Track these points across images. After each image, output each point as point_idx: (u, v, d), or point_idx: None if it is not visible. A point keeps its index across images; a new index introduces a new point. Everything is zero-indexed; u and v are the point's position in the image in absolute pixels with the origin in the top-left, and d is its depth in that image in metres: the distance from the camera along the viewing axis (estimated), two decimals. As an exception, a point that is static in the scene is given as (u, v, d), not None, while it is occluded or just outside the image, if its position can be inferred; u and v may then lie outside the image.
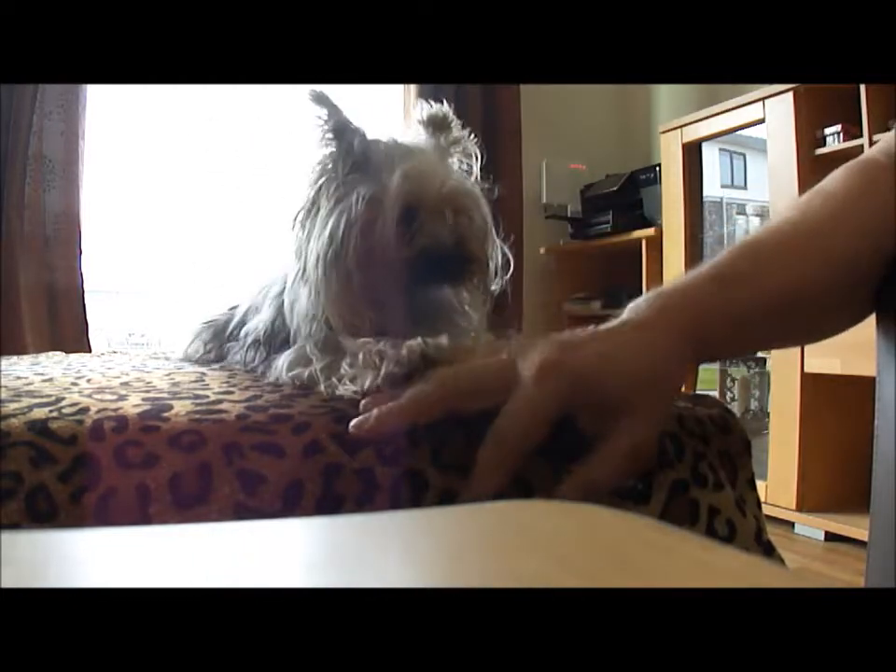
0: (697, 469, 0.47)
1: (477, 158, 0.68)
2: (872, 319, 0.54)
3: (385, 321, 0.58)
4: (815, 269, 0.50)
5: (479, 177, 0.68)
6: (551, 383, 0.41)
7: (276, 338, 0.65)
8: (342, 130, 0.61)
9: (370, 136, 0.62)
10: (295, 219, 0.62)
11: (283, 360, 0.59)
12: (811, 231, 0.51)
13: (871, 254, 0.50)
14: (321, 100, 0.60)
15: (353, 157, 0.60)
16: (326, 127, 0.61)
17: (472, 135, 0.71)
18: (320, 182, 0.61)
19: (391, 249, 0.58)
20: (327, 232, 0.58)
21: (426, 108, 0.67)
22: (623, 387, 0.42)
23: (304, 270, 0.60)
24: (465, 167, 0.68)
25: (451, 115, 0.66)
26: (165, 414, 0.44)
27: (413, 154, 0.61)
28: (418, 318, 0.58)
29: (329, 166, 0.61)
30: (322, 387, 0.53)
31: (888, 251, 0.50)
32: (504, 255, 0.67)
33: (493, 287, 0.65)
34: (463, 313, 0.63)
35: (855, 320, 0.53)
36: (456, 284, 0.62)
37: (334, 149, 0.61)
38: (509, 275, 0.67)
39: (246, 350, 0.69)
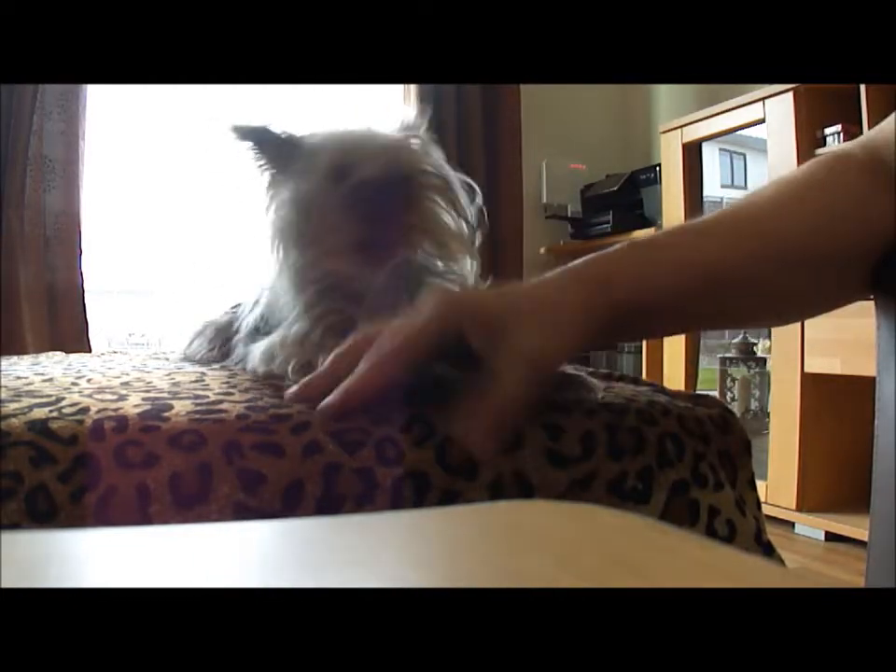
0: (697, 469, 0.47)
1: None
2: (872, 319, 0.54)
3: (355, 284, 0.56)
4: (747, 250, 0.48)
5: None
6: (443, 306, 0.43)
7: (263, 332, 0.65)
8: (276, 146, 0.62)
9: (306, 134, 0.62)
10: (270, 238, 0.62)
11: (256, 352, 0.60)
12: (752, 213, 0.51)
13: (824, 244, 0.49)
14: (245, 134, 0.62)
15: (289, 159, 0.61)
16: (260, 154, 0.61)
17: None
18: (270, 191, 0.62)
19: (323, 204, 0.57)
20: (274, 214, 0.59)
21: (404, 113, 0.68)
22: (512, 308, 0.44)
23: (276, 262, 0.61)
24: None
25: (420, 121, 0.66)
26: (165, 414, 0.44)
27: (347, 131, 0.61)
28: (372, 260, 0.56)
29: (273, 174, 0.62)
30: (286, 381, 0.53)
31: (850, 244, 0.49)
32: (475, 202, 0.63)
33: (471, 218, 0.62)
34: (447, 272, 0.59)
35: (806, 313, 0.53)
36: (397, 214, 0.57)
37: (273, 168, 0.62)
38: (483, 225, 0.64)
39: (238, 346, 0.69)
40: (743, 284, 0.49)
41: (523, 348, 0.42)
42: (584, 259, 0.47)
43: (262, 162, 0.62)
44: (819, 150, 2.05)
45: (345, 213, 0.56)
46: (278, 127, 0.64)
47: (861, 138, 0.56)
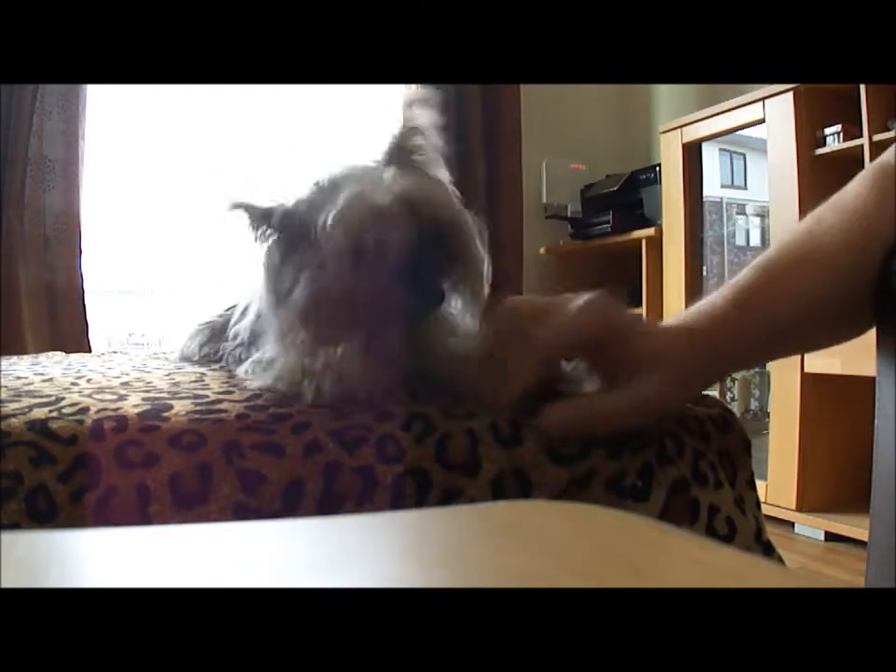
0: (697, 468, 0.47)
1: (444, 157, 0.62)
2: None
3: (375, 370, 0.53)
4: (826, 285, 0.51)
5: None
6: (595, 315, 0.48)
7: (258, 339, 0.64)
8: (270, 218, 0.57)
9: (299, 201, 0.57)
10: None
11: (249, 366, 0.58)
12: (820, 245, 0.52)
13: (880, 262, 0.50)
14: (239, 206, 0.56)
15: (291, 234, 0.56)
16: (255, 225, 0.57)
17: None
18: (270, 275, 0.57)
19: (345, 288, 0.53)
20: (289, 308, 0.55)
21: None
22: (650, 354, 0.48)
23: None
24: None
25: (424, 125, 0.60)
26: (165, 414, 0.44)
27: (349, 196, 0.55)
28: (409, 355, 0.54)
29: (273, 257, 0.57)
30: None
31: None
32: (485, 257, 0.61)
33: (483, 289, 0.59)
34: (454, 333, 0.57)
35: (867, 327, 0.54)
36: (431, 288, 0.55)
37: (272, 241, 0.57)
38: (490, 280, 0.61)
39: (232, 351, 0.69)
40: (824, 321, 0.52)
41: (641, 395, 0.46)
42: (691, 316, 0.51)
43: (259, 235, 0.57)
44: (819, 150, 2.05)
45: (368, 304, 0.53)
46: (274, 197, 0.58)
47: None
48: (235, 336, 0.70)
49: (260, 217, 0.57)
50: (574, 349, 0.50)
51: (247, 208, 0.57)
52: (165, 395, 0.49)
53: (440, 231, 0.56)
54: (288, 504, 0.41)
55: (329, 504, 0.41)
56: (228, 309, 0.78)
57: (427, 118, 0.60)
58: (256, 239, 0.58)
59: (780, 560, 0.51)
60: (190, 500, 0.40)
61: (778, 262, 0.53)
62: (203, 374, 0.64)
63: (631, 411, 0.46)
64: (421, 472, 0.43)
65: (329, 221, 0.53)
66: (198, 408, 0.45)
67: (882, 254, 0.50)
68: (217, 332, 0.77)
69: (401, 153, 0.59)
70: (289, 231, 0.57)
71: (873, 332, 0.54)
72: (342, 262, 0.53)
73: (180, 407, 0.45)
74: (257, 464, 0.41)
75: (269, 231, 0.57)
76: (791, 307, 0.51)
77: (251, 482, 0.41)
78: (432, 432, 0.44)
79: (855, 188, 0.54)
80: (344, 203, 0.54)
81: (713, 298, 0.52)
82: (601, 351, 0.48)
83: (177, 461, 0.41)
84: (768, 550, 0.49)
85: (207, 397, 0.49)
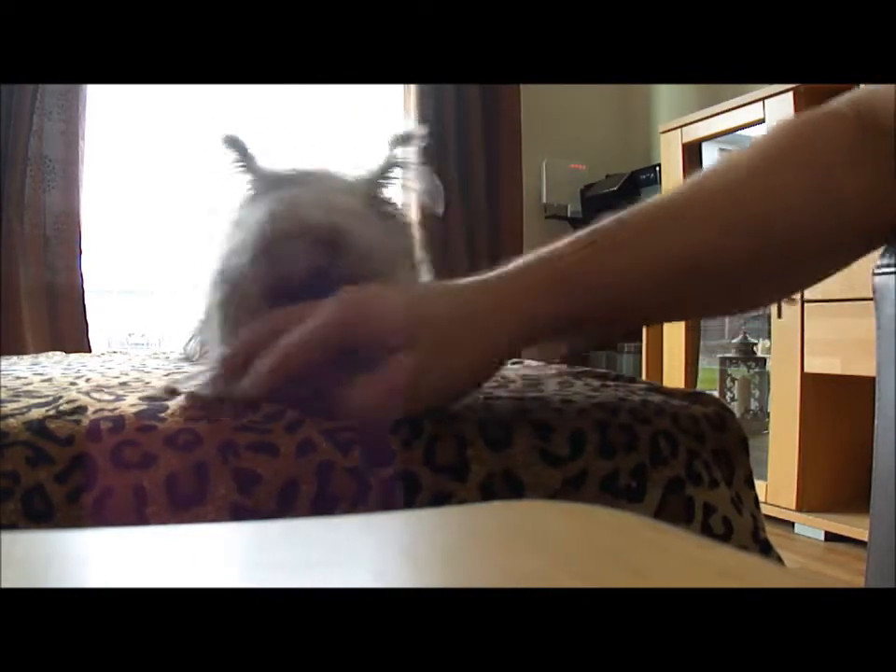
0: (692, 467, 0.47)
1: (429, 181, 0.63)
2: (872, 319, 0.54)
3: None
4: (719, 235, 0.44)
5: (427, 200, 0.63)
6: (341, 313, 0.41)
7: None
8: (251, 167, 0.60)
9: (275, 168, 0.60)
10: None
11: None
12: (736, 191, 0.46)
13: (809, 222, 0.45)
14: (234, 143, 0.59)
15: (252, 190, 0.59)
16: (237, 167, 0.60)
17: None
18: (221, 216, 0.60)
19: (248, 290, 0.53)
20: (214, 266, 0.57)
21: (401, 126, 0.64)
22: (402, 328, 0.41)
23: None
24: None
25: (414, 135, 0.61)
26: (162, 414, 0.44)
27: (288, 189, 0.56)
28: None
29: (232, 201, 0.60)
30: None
31: (852, 221, 0.46)
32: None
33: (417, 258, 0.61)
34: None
35: (784, 293, 0.50)
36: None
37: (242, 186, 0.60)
38: None
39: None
40: (718, 276, 0.45)
41: (424, 379, 0.40)
42: (531, 258, 0.44)
43: (243, 178, 0.60)
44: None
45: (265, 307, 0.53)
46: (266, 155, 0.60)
47: (847, 97, 0.50)
48: None
49: (247, 165, 0.59)
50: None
51: (241, 149, 0.59)
52: (164, 395, 0.49)
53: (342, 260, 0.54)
54: (284, 502, 0.41)
55: (323, 503, 0.41)
56: None
57: (411, 155, 0.62)
58: (232, 181, 0.60)
59: (779, 559, 0.51)
60: (187, 500, 0.40)
61: (660, 206, 0.46)
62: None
63: (380, 398, 0.40)
64: (409, 476, 0.43)
65: (272, 207, 0.55)
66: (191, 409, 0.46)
67: (811, 214, 0.45)
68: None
69: (373, 188, 0.60)
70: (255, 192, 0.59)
71: (873, 332, 0.54)
72: (245, 253, 0.54)
73: (176, 406, 0.45)
74: (252, 464, 0.41)
75: (247, 181, 0.60)
76: (666, 251, 0.43)
77: (246, 482, 0.41)
78: (420, 435, 0.44)
79: (780, 131, 0.50)
80: (270, 209, 0.55)
81: (564, 241, 0.45)
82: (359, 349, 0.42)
83: (173, 461, 0.41)
84: (766, 549, 0.49)
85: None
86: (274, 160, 0.62)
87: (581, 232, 0.45)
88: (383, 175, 0.61)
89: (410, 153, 0.61)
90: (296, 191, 0.56)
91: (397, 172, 0.61)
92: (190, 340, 0.81)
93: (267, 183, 0.60)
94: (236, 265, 0.54)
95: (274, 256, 0.53)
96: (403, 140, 0.60)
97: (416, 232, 0.64)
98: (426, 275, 0.62)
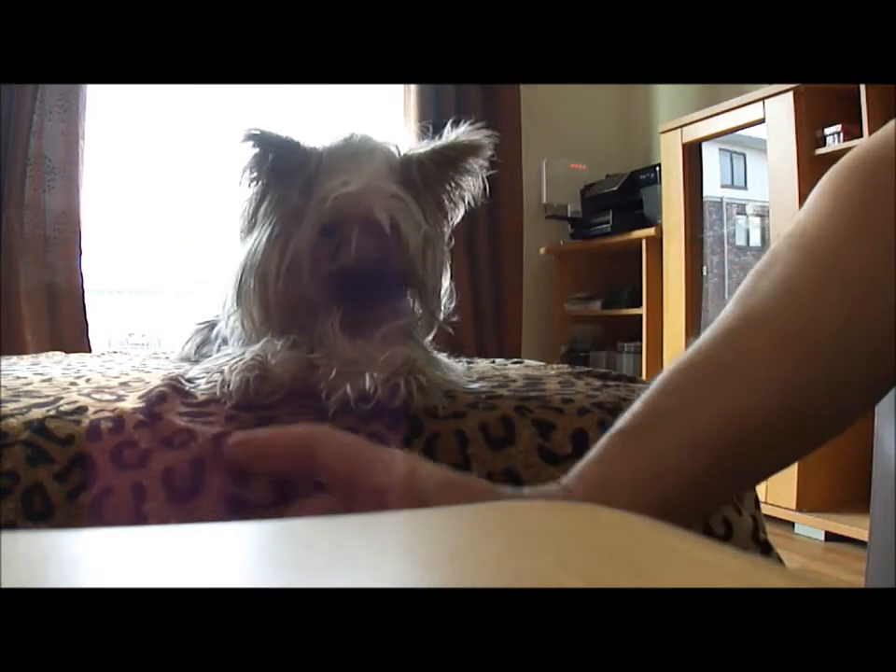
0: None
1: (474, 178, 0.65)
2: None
3: (308, 331, 0.57)
4: (761, 396, 0.37)
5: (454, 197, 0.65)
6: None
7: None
8: (274, 147, 0.61)
9: (307, 145, 0.62)
10: (239, 230, 0.63)
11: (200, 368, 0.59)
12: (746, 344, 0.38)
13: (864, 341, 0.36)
14: (258, 140, 0.61)
15: (285, 169, 0.60)
16: (261, 157, 0.61)
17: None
18: (256, 197, 0.62)
19: (308, 266, 0.58)
20: (251, 245, 0.59)
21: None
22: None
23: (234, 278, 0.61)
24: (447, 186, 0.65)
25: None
26: (160, 414, 0.44)
27: (346, 169, 0.59)
28: (353, 331, 0.56)
29: (263, 181, 0.61)
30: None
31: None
32: (447, 284, 0.65)
33: (437, 312, 0.64)
34: (405, 331, 0.60)
35: (851, 422, 0.39)
36: (379, 302, 0.59)
37: (267, 166, 0.61)
38: (453, 305, 0.66)
39: (217, 350, 0.70)
40: (768, 437, 0.37)
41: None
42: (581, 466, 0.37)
43: (260, 171, 0.61)
44: (819, 150, 2.05)
45: (326, 287, 0.58)
46: (287, 134, 0.63)
47: (878, 135, 0.42)
48: (217, 335, 0.71)
49: (276, 149, 0.60)
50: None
51: (265, 142, 0.60)
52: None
53: (401, 247, 0.59)
54: (280, 496, 0.41)
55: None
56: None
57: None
58: (251, 175, 0.61)
59: (778, 559, 0.51)
60: (184, 497, 0.40)
61: (686, 372, 0.39)
62: (202, 374, 0.64)
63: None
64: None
65: (319, 196, 0.56)
66: (188, 409, 0.46)
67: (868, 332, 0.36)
68: (215, 333, 0.77)
69: (416, 169, 0.62)
70: (288, 174, 0.60)
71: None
72: (313, 233, 0.57)
73: (170, 406, 0.45)
74: None
75: (270, 170, 0.60)
76: (698, 426, 0.37)
77: (243, 475, 0.41)
78: (420, 433, 0.44)
79: (822, 219, 0.41)
80: (333, 187, 0.57)
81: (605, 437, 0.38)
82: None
83: (170, 459, 0.41)
84: (766, 549, 0.49)
85: (198, 397, 0.49)
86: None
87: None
88: (435, 155, 0.62)
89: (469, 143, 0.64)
90: (350, 174, 0.58)
91: (453, 158, 0.64)
92: (188, 341, 0.82)
93: (308, 160, 0.60)
94: (305, 239, 0.57)
95: (343, 241, 0.56)
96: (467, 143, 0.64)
97: (451, 216, 0.66)
98: (448, 267, 0.65)
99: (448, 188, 0.65)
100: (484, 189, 0.66)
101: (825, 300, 0.37)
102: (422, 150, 0.63)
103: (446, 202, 0.66)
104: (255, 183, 0.62)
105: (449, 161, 0.64)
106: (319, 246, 0.57)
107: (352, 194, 0.57)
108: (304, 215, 0.58)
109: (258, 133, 0.61)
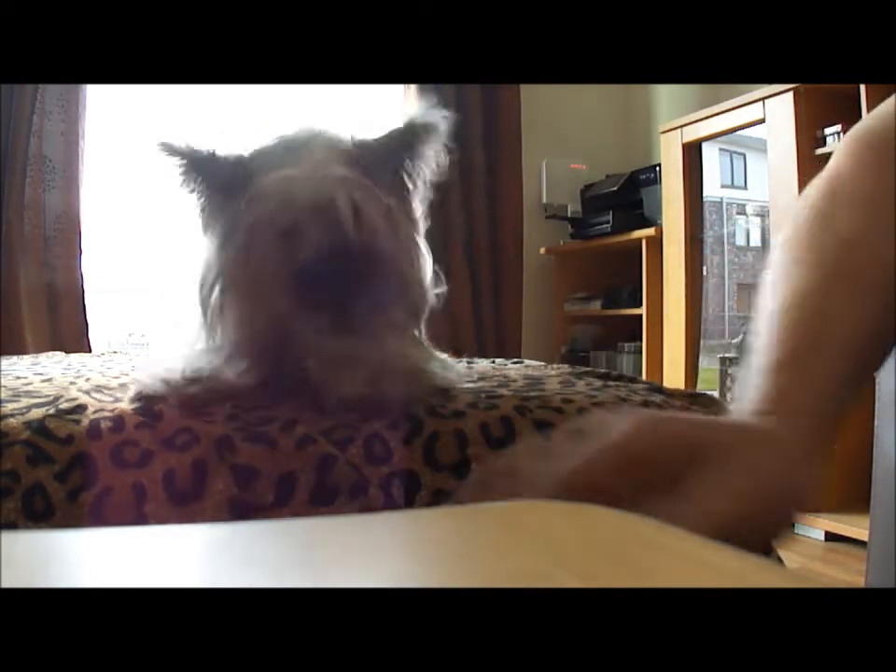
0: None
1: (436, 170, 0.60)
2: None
3: (291, 342, 0.52)
4: (882, 305, 0.42)
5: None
6: (635, 431, 0.38)
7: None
8: (204, 165, 0.58)
9: (242, 152, 0.58)
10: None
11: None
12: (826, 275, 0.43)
13: None
14: (172, 150, 0.57)
15: (222, 182, 0.57)
16: (185, 170, 0.58)
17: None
18: (200, 210, 0.59)
19: (266, 273, 0.53)
20: (204, 263, 0.57)
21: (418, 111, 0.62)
22: (719, 441, 0.38)
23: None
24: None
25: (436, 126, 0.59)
26: (160, 413, 0.44)
27: (285, 163, 0.55)
28: (338, 329, 0.51)
29: (202, 200, 0.58)
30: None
31: None
32: (430, 266, 0.59)
33: (421, 301, 0.58)
34: (393, 325, 0.56)
35: None
36: (355, 296, 0.54)
37: (201, 185, 0.58)
38: (437, 291, 0.60)
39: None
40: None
41: (733, 486, 0.36)
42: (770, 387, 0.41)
43: (194, 185, 0.58)
44: (819, 150, 2.05)
45: (298, 295, 0.52)
46: (216, 146, 0.58)
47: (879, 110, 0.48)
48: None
49: (196, 165, 0.57)
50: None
51: (181, 153, 0.57)
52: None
53: (366, 230, 0.54)
54: (281, 496, 0.41)
55: (322, 497, 0.41)
56: None
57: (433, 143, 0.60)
58: (188, 189, 0.58)
59: (779, 559, 0.51)
60: (186, 497, 0.40)
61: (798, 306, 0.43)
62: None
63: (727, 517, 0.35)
64: (409, 474, 0.43)
65: (274, 187, 0.53)
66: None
67: None
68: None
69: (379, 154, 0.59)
70: (224, 185, 0.57)
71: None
72: (271, 236, 0.53)
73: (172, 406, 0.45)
74: (248, 457, 0.41)
75: (201, 183, 0.58)
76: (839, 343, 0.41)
77: (244, 475, 0.41)
78: (420, 433, 0.44)
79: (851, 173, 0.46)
80: (277, 185, 0.53)
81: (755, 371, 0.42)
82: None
83: (171, 460, 0.41)
84: (766, 549, 0.49)
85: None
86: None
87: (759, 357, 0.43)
88: (392, 141, 0.59)
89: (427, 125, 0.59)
90: (296, 168, 0.54)
91: (408, 140, 0.59)
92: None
93: (250, 164, 0.57)
94: (258, 244, 0.53)
95: (300, 233, 0.51)
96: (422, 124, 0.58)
97: (420, 201, 0.61)
98: (426, 249, 0.61)
99: (407, 169, 0.61)
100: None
101: None
102: (376, 136, 0.61)
103: (408, 183, 0.61)
104: (195, 195, 0.60)
105: (404, 144, 0.61)
106: (272, 248, 0.52)
107: (295, 179, 0.53)
108: (245, 220, 0.54)
109: (169, 144, 0.58)
